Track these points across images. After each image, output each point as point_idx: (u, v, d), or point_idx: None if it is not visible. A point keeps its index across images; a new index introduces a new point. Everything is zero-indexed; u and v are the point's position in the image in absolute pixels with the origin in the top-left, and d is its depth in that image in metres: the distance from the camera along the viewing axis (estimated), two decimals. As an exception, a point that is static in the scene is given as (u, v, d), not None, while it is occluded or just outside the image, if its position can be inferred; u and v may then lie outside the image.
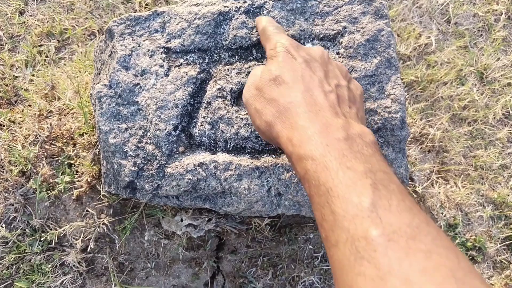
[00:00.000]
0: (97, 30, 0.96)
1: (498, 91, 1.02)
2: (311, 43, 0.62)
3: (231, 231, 0.84)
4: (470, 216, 0.93)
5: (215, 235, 0.84)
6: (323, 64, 0.50)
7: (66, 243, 0.81)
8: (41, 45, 0.95)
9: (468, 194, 0.93)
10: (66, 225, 0.80)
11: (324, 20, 0.62)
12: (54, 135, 0.84)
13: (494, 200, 0.94)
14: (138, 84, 0.62)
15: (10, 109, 0.88)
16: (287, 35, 0.56)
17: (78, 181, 0.82)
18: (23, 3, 0.98)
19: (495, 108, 0.99)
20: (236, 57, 0.63)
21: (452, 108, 0.98)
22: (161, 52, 0.63)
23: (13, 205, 0.81)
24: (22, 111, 0.87)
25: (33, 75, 0.91)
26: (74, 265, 0.80)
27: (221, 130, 0.62)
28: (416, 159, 0.94)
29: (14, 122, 0.86)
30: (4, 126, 0.86)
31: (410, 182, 0.92)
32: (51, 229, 0.81)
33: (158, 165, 0.61)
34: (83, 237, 0.80)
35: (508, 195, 0.94)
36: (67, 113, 0.87)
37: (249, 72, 0.62)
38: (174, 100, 0.61)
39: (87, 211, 0.81)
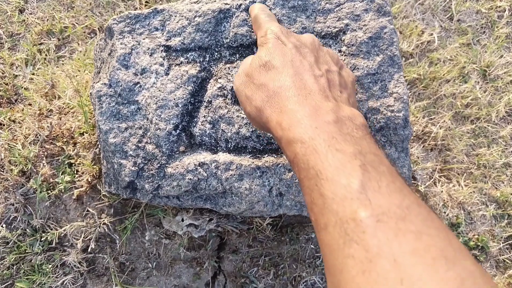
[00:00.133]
0: (98, 28, 0.96)
1: (501, 89, 1.01)
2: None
3: (232, 230, 0.83)
4: (473, 215, 0.92)
5: (216, 235, 0.84)
6: (314, 50, 0.50)
7: (67, 243, 0.81)
8: (41, 44, 0.94)
9: (471, 192, 0.93)
10: (66, 225, 0.80)
11: (326, 18, 0.62)
12: (54, 134, 0.83)
13: (497, 199, 0.94)
14: (138, 83, 0.62)
15: (10, 108, 0.88)
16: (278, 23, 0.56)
17: (79, 180, 0.81)
18: (23, 1, 0.97)
19: (498, 106, 0.98)
20: (237, 55, 0.63)
21: (455, 106, 0.98)
22: (161, 51, 0.62)
23: (13, 205, 0.81)
24: (22, 110, 0.87)
25: (33, 74, 0.91)
26: (74, 265, 0.80)
27: (222, 129, 0.61)
28: (418, 157, 0.93)
29: (14, 121, 0.86)
30: (4, 125, 0.85)
31: (413, 181, 0.92)
32: (51, 229, 0.80)
33: (159, 165, 0.61)
34: (83, 237, 0.80)
35: (511, 194, 0.93)
36: (67, 112, 0.87)
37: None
38: (174, 99, 0.61)
39: (87, 211, 0.81)
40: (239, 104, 0.62)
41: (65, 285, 0.80)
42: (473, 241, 0.90)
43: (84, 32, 0.95)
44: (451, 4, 1.05)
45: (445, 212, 0.91)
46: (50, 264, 0.80)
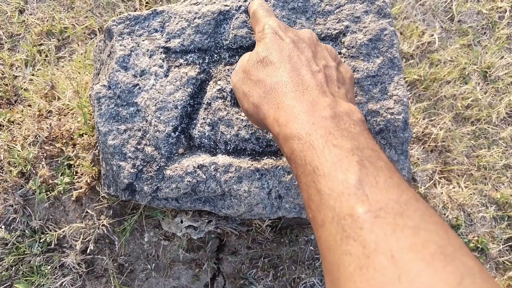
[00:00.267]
0: (98, 28, 0.95)
1: (501, 90, 1.01)
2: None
3: (231, 232, 0.83)
4: (473, 217, 0.92)
5: (215, 236, 0.84)
6: (311, 45, 0.50)
7: (66, 245, 0.81)
8: (41, 44, 0.94)
9: (471, 194, 0.92)
10: (65, 227, 0.80)
11: (326, 19, 0.61)
12: (53, 136, 0.83)
13: (497, 201, 0.94)
14: (137, 84, 0.61)
15: (10, 109, 0.87)
16: (277, 18, 0.55)
17: (78, 182, 0.81)
18: (23, 1, 0.97)
19: (499, 107, 0.98)
20: (237, 57, 0.62)
21: (455, 107, 0.97)
22: (161, 52, 0.62)
23: (12, 206, 0.81)
24: (22, 111, 0.87)
25: (33, 75, 0.91)
26: (73, 267, 0.80)
27: (221, 131, 0.61)
28: (418, 159, 0.93)
29: (13, 122, 0.86)
30: (3, 126, 0.85)
31: (413, 183, 0.92)
32: (50, 231, 0.80)
33: (158, 167, 0.61)
34: (82, 239, 0.80)
35: (511, 196, 0.93)
36: (67, 113, 0.86)
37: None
38: (173, 101, 0.61)
39: (86, 212, 0.81)
40: (238, 106, 0.62)
41: (64, 286, 0.79)
42: (473, 243, 0.90)
43: (84, 33, 0.95)
44: (452, 5, 1.05)
45: (445, 214, 0.90)
46: (49, 266, 0.79)
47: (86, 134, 0.82)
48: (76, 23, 0.96)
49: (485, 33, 1.05)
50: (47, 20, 0.96)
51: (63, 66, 0.92)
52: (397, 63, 0.60)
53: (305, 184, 0.38)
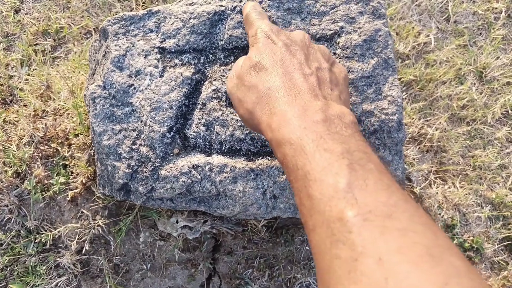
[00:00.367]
0: (93, 28, 0.95)
1: (497, 90, 1.01)
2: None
3: (227, 232, 0.83)
4: (468, 217, 0.92)
5: (211, 236, 0.84)
6: (304, 47, 0.50)
7: (61, 245, 0.81)
8: (36, 44, 0.94)
9: (466, 194, 0.93)
10: (61, 227, 0.80)
11: (321, 20, 0.62)
12: (49, 136, 0.83)
13: (492, 201, 0.94)
14: (132, 85, 0.61)
15: (5, 109, 0.87)
16: (270, 21, 0.55)
17: (73, 182, 0.81)
18: (19, 1, 0.97)
19: (494, 108, 0.98)
20: (232, 57, 0.62)
21: (451, 108, 0.98)
22: (156, 52, 0.62)
23: (7, 206, 0.81)
24: (17, 111, 0.86)
25: (28, 75, 0.90)
26: (69, 267, 0.80)
27: (216, 131, 0.61)
28: (414, 159, 0.93)
29: (9, 122, 0.85)
30: (-2, 126, 0.85)
31: (408, 183, 0.92)
32: (46, 231, 0.80)
33: (152, 167, 0.61)
34: (78, 239, 0.79)
35: (507, 196, 0.93)
36: (62, 114, 0.86)
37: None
38: (168, 101, 0.61)
39: (82, 212, 0.81)
40: (233, 107, 0.62)
41: (59, 286, 0.79)
42: (468, 243, 0.90)
43: (80, 33, 0.95)
44: (448, 6, 1.05)
45: (440, 214, 0.91)
46: (44, 266, 0.79)
47: (81, 134, 0.82)
48: (72, 23, 0.96)
49: (480, 33, 1.06)
50: (43, 20, 0.95)
51: (58, 65, 0.92)
52: (391, 63, 0.60)
53: (297, 189, 0.39)
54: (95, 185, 0.80)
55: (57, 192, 0.81)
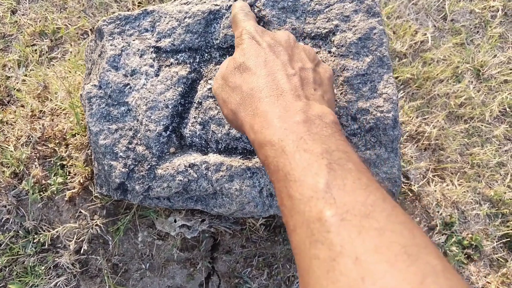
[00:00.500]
0: (90, 29, 0.96)
1: (494, 88, 1.01)
2: (303, 42, 0.62)
3: (225, 231, 0.83)
4: (467, 214, 0.92)
5: (209, 235, 0.84)
6: (288, 48, 0.50)
7: (60, 245, 0.81)
8: (33, 45, 0.94)
9: (465, 192, 0.93)
10: (59, 227, 0.80)
11: (316, 19, 0.62)
12: (46, 136, 0.83)
13: (490, 198, 0.94)
14: (128, 84, 0.62)
15: (2, 110, 0.87)
16: (256, 22, 0.55)
17: (71, 182, 0.81)
18: (15, 2, 0.97)
19: (492, 106, 0.98)
20: (227, 56, 0.62)
21: (449, 106, 0.98)
22: (151, 52, 0.62)
23: (5, 206, 0.81)
24: (15, 111, 0.87)
25: (25, 75, 0.91)
26: (67, 267, 0.80)
27: (212, 130, 0.61)
28: (412, 157, 0.93)
29: (6, 123, 0.86)
30: (-4, 127, 0.85)
31: (406, 181, 0.92)
32: (44, 231, 0.80)
33: (149, 166, 0.61)
34: (76, 239, 0.80)
35: (505, 193, 0.93)
36: (60, 114, 0.87)
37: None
38: (164, 100, 0.61)
39: (80, 212, 0.81)
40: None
41: (58, 286, 0.79)
42: (467, 240, 0.90)
43: (77, 33, 0.95)
44: (445, 4, 1.05)
45: (438, 212, 0.91)
46: (43, 266, 0.79)
47: (78, 134, 0.82)
48: (69, 24, 0.96)
49: (477, 32, 1.06)
50: (40, 21, 0.96)
51: (55, 65, 0.92)
52: (386, 61, 0.60)
53: (278, 190, 0.39)
54: (92, 185, 0.81)
55: (55, 192, 0.81)
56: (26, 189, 0.81)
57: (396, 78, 0.98)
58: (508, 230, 0.91)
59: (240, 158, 0.61)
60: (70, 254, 0.79)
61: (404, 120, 0.95)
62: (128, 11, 0.93)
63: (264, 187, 0.60)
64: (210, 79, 0.62)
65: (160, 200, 0.63)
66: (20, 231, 0.80)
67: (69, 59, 0.91)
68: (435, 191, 0.92)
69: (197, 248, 0.84)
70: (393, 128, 0.59)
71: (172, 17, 0.62)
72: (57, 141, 0.83)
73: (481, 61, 1.01)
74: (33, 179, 0.80)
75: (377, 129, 0.60)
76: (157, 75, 0.61)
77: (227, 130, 0.61)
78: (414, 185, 0.91)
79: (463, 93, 0.98)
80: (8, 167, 0.82)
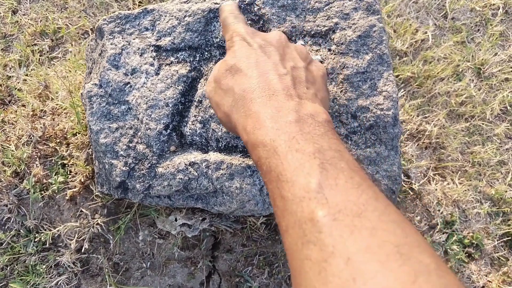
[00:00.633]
0: (91, 29, 0.96)
1: (495, 87, 1.01)
2: (303, 40, 0.62)
3: (226, 230, 0.83)
4: (468, 213, 0.92)
5: (210, 234, 0.84)
6: (280, 48, 0.50)
7: (61, 244, 0.81)
8: (34, 45, 0.94)
9: (465, 190, 0.93)
10: (60, 226, 0.80)
11: (316, 17, 0.62)
12: (47, 135, 0.83)
13: (491, 197, 0.94)
14: (129, 83, 0.62)
15: (4, 109, 0.88)
16: (246, 24, 0.55)
17: (72, 181, 0.81)
18: (16, 2, 0.97)
19: (493, 104, 0.98)
20: (228, 55, 0.63)
21: (449, 104, 0.98)
22: (152, 51, 0.62)
23: (7, 206, 0.81)
24: (16, 111, 0.87)
25: (26, 75, 0.91)
26: (69, 266, 0.80)
27: (213, 128, 0.61)
28: (412, 155, 0.93)
29: (7, 122, 0.86)
30: (-3, 126, 0.86)
31: (407, 179, 0.92)
32: (45, 230, 0.80)
33: (149, 164, 0.61)
34: (77, 238, 0.80)
35: (506, 192, 0.93)
36: (60, 113, 0.87)
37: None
38: (164, 99, 0.61)
39: (81, 211, 0.81)
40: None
41: (59, 285, 0.80)
42: (468, 239, 0.90)
43: (78, 33, 0.96)
44: (445, 2, 1.05)
45: (439, 210, 0.91)
46: (44, 265, 0.80)
47: (79, 133, 0.82)
48: (70, 23, 0.96)
49: (478, 30, 1.06)
50: (41, 21, 0.96)
51: (55, 65, 0.92)
52: (386, 59, 0.60)
53: (271, 191, 0.39)
54: (93, 184, 0.81)
55: (56, 191, 0.81)
56: (27, 188, 0.81)
57: (397, 76, 0.98)
58: (509, 229, 0.91)
59: (240, 157, 0.61)
60: (71, 253, 0.80)
61: (405, 119, 0.95)
62: (128, 10, 0.93)
63: (264, 186, 0.60)
64: (210, 77, 0.62)
65: (160, 198, 0.63)
66: (21, 230, 0.81)
67: (69, 59, 0.91)
68: (436, 189, 0.92)
69: (198, 247, 0.84)
70: (393, 126, 0.59)
71: (172, 16, 0.63)
72: (58, 140, 0.83)
73: (482, 59, 1.01)
74: (34, 178, 0.81)
75: (377, 127, 0.60)
76: (157, 74, 0.62)
77: (227, 128, 0.61)
78: (415, 184, 0.91)
79: (463, 92, 0.98)
80: (9, 166, 0.82)
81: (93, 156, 0.67)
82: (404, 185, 0.91)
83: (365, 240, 0.30)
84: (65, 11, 0.97)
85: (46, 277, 0.79)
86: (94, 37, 0.68)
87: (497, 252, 0.91)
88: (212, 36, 0.62)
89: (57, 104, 0.87)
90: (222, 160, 0.60)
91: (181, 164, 0.60)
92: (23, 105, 0.88)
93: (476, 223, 0.92)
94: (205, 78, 0.62)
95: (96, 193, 0.80)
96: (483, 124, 0.98)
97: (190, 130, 0.62)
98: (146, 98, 0.61)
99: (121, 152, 0.61)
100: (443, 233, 0.89)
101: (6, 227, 0.81)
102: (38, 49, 0.94)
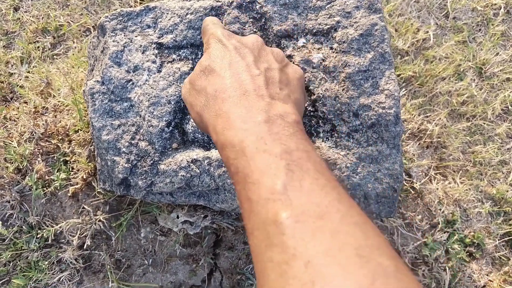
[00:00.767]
0: (92, 26, 0.96)
1: (497, 86, 1.01)
2: (305, 38, 0.62)
3: (228, 227, 0.83)
4: (469, 212, 0.92)
5: (211, 231, 0.84)
6: (255, 50, 0.50)
7: (63, 240, 0.82)
8: (36, 42, 0.95)
9: (467, 190, 0.93)
10: (62, 222, 0.80)
11: (318, 15, 0.62)
12: (49, 132, 0.84)
13: (493, 196, 0.94)
14: (131, 80, 0.62)
15: (6, 106, 0.88)
16: (224, 29, 0.56)
17: (74, 178, 0.82)
18: (19, -1, 0.98)
19: (494, 104, 0.98)
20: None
21: (451, 104, 0.98)
22: (154, 48, 0.62)
23: (9, 202, 0.81)
24: (18, 108, 0.87)
25: (28, 72, 0.91)
26: (71, 262, 0.80)
27: (214, 126, 0.61)
28: (414, 155, 0.93)
29: (9, 119, 0.86)
30: None
31: (408, 178, 0.92)
32: (47, 226, 0.81)
33: (152, 161, 0.61)
34: (79, 234, 0.80)
35: (507, 191, 0.93)
36: (63, 110, 0.87)
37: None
38: (166, 96, 0.61)
39: (83, 208, 0.81)
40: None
41: (61, 281, 0.80)
42: (469, 238, 0.90)
43: (79, 30, 0.96)
44: (447, 2, 1.05)
45: (440, 209, 0.91)
46: (46, 261, 0.80)
47: (81, 130, 0.83)
48: (71, 21, 0.96)
49: (480, 29, 1.06)
50: (42, 18, 0.96)
51: (57, 62, 0.92)
52: (388, 58, 0.60)
53: (239, 192, 0.38)
54: (95, 181, 0.81)
55: (58, 188, 0.82)
56: (30, 184, 0.81)
57: (398, 76, 0.98)
58: (510, 229, 0.91)
59: (242, 154, 0.61)
60: (73, 250, 0.80)
61: (406, 118, 0.96)
62: (130, 7, 0.94)
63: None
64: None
65: (163, 195, 0.63)
66: (23, 226, 0.81)
67: (71, 56, 0.92)
68: (437, 189, 0.92)
69: (199, 244, 0.84)
70: (395, 124, 0.60)
71: (174, 13, 0.63)
72: (60, 137, 0.84)
73: (483, 59, 1.01)
74: (36, 174, 0.81)
75: (379, 125, 0.60)
76: (159, 71, 0.62)
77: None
78: (416, 183, 0.91)
79: (465, 91, 0.98)
80: (12, 163, 0.82)
81: (95, 153, 0.68)
82: (405, 184, 0.91)
83: (326, 242, 0.30)
84: (66, 9, 0.97)
85: (49, 273, 0.80)
86: (96, 34, 0.68)
87: (498, 252, 0.91)
88: (215, 34, 0.62)
89: (59, 101, 0.87)
90: (223, 158, 0.60)
91: (183, 161, 0.60)
92: (25, 102, 0.89)
93: (478, 222, 0.92)
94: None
95: (98, 190, 0.81)
96: (484, 123, 0.98)
97: (192, 128, 0.62)
98: (148, 95, 0.61)
99: (124, 149, 0.61)
100: (444, 232, 0.89)
101: (9, 223, 0.81)
102: (40, 46, 0.94)
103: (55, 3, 0.98)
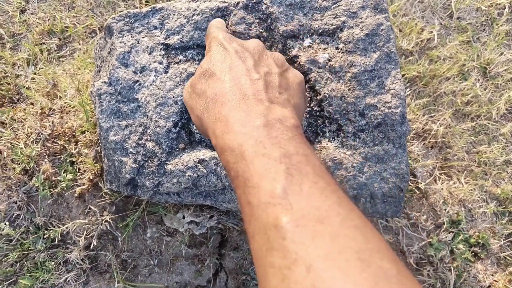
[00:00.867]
0: (98, 28, 0.97)
1: (501, 86, 1.01)
2: (310, 39, 0.62)
3: (233, 228, 0.84)
4: (474, 212, 0.92)
5: (217, 232, 0.85)
6: (255, 54, 0.50)
7: (70, 241, 0.82)
8: (42, 43, 0.95)
9: (472, 190, 0.93)
10: (69, 223, 0.81)
11: (323, 15, 0.62)
12: (56, 133, 0.84)
13: (497, 196, 0.94)
14: (138, 81, 0.62)
15: (13, 108, 0.89)
16: (227, 33, 0.56)
17: (81, 178, 0.82)
18: (24, 1, 0.98)
19: (499, 103, 0.98)
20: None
21: (455, 104, 0.98)
22: (160, 49, 0.63)
23: (16, 203, 0.82)
24: (24, 109, 0.88)
25: (35, 74, 0.92)
26: (77, 262, 0.81)
27: (221, 126, 0.62)
28: (418, 155, 0.94)
29: (16, 120, 0.87)
30: (6, 124, 0.86)
31: (413, 178, 0.92)
32: (54, 227, 0.81)
33: (159, 162, 0.62)
34: (86, 235, 0.81)
35: (512, 191, 0.93)
36: (69, 111, 0.88)
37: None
38: (173, 96, 0.61)
39: (89, 208, 0.82)
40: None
41: (68, 282, 0.80)
42: (474, 238, 0.90)
43: (85, 32, 0.96)
44: (451, 2, 1.05)
45: (445, 210, 0.91)
46: (53, 261, 0.80)
47: (88, 131, 0.83)
48: (77, 22, 0.97)
49: (484, 29, 1.06)
50: (48, 20, 0.97)
51: (63, 64, 0.93)
52: (394, 57, 0.60)
53: (239, 196, 0.38)
54: (102, 182, 0.82)
55: (65, 189, 0.82)
56: (36, 185, 0.82)
57: (403, 76, 0.98)
58: (515, 228, 0.91)
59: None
60: (80, 250, 0.80)
61: (411, 118, 0.96)
62: (135, 9, 0.94)
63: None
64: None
65: (169, 195, 0.63)
66: (30, 227, 0.81)
67: (77, 57, 0.92)
68: (442, 189, 0.92)
69: (205, 244, 0.84)
70: (401, 124, 0.60)
71: (180, 15, 0.63)
72: (67, 138, 0.84)
73: (488, 59, 1.01)
74: (43, 175, 0.81)
75: (385, 125, 0.60)
76: (166, 72, 0.62)
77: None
78: (421, 183, 0.91)
79: (469, 91, 0.98)
80: (19, 164, 0.83)
81: (102, 154, 0.68)
82: (410, 184, 0.91)
83: (327, 246, 0.30)
84: (72, 10, 0.98)
85: (55, 274, 0.80)
86: (102, 35, 0.69)
87: (503, 252, 0.91)
88: (221, 35, 0.63)
89: (65, 102, 0.87)
90: (230, 158, 0.61)
91: (190, 162, 0.61)
92: (32, 103, 0.89)
93: (482, 222, 0.92)
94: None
95: (104, 191, 0.81)
96: (489, 123, 0.98)
97: (198, 128, 0.62)
98: (155, 96, 0.61)
99: (131, 150, 0.62)
100: (449, 232, 0.89)
101: (16, 224, 0.82)
102: (46, 48, 0.95)
103: (61, 5, 0.99)
